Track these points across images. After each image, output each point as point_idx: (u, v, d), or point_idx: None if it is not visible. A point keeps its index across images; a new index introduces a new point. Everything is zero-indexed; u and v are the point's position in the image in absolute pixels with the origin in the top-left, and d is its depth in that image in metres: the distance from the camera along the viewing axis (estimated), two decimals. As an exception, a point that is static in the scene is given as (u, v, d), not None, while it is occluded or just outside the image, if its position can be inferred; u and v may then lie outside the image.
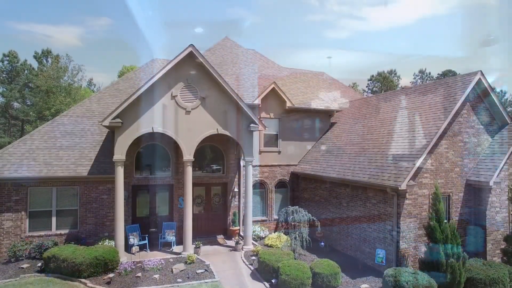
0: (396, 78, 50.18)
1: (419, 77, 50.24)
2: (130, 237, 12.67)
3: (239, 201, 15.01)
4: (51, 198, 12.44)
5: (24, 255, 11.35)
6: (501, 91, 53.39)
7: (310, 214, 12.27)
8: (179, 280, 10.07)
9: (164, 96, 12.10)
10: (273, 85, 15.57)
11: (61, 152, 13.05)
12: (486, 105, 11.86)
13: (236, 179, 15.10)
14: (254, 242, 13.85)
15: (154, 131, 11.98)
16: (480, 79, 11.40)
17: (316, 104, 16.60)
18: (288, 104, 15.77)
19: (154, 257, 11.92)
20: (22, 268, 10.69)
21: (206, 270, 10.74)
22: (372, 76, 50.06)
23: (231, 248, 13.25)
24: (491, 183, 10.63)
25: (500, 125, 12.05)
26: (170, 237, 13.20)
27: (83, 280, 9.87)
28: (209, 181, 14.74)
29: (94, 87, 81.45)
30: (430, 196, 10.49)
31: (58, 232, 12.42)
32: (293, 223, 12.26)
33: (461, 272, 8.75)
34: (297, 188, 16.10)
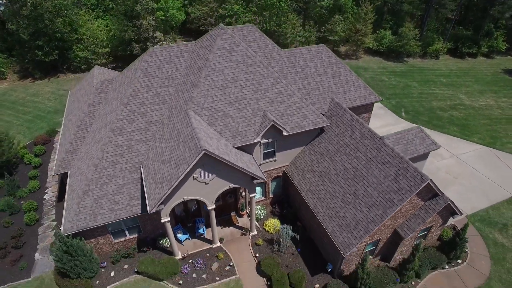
0: None
1: None
2: (178, 234, 19.92)
3: (245, 197, 21.08)
4: (121, 223, 18.63)
5: (120, 259, 19.05)
6: None
7: (293, 233, 18.98)
8: (217, 278, 18.28)
9: (187, 180, 15.87)
10: (272, 123, 17.84)
11: (115, 196, 17.88)
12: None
13: (242, 185, 20.46)
14: (256, 224, 21.20)
15: (185, 200, 16.64)
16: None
17: (309, 124, 19.18)
18: (285, 133, 18.58)
19: (195, 246, 19.76)
20: (125, 268, 18.68)
21: (230, 266, 18.79)
22: None
23: (242, 232, 20.74)
24: (406, 239, 16.85)
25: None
26: (202, 228, 20.39)
27: (163, 282, 18.05)
28: (223, 189, 20.19)
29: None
30: (365, 245, 17.01)
31: (131, 237, 19.51)
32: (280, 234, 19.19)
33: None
34: (288, 181, 21.58)
